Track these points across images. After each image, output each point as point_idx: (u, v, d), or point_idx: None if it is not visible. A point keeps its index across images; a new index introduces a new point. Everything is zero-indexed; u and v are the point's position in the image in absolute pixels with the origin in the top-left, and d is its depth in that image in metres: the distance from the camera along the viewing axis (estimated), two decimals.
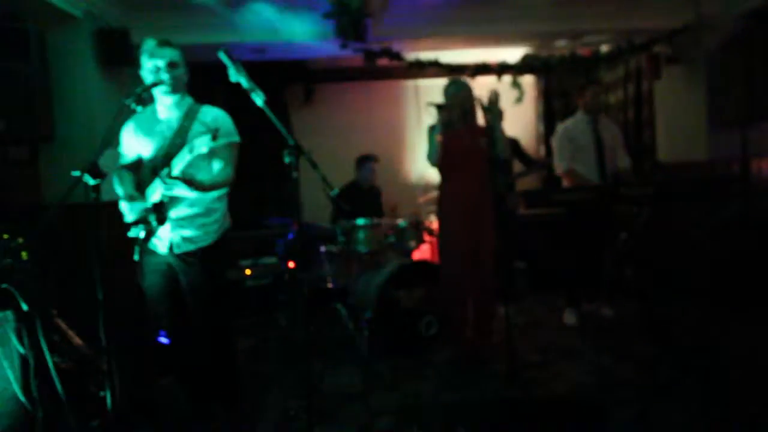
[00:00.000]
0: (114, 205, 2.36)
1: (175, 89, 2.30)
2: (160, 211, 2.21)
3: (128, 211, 2.25)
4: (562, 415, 2.24)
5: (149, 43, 2.27)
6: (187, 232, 2.32)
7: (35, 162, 3.33)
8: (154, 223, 2.20)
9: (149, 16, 3.93)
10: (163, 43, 2.29)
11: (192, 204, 2.31)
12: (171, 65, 2.26)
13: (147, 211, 2.21)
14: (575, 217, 3.96)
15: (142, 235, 2.23)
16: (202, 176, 2.26)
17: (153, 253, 2.35)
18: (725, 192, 3.84)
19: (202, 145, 2.02)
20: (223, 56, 2.02)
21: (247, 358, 3.62)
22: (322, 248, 4.05)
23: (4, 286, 2.14)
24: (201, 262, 2.34)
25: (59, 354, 2.34)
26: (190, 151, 2.06)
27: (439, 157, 3.14)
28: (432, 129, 3.15)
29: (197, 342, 2.38)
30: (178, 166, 2.12)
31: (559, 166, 3.98)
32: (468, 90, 3.20)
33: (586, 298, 4.10)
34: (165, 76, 2.24)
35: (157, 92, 2.30)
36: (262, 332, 4.05)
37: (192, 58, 2.43)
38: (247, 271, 4.44)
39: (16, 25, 2.95)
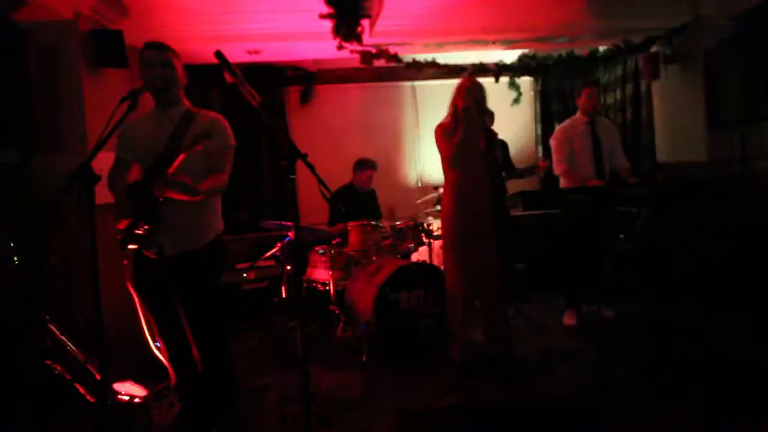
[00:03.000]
0: (108, 208, 2.33)
1: (170, 93, 2.31)
2: (153, 213, 2.19)
3: (120, 215, 2.23)
4: (562, 418, 2.21)
5: (145, 48, 2.29)
6: (179, 235, 2.30)
7: (28, 165, 3.29)
8: (146, 225, 2.18)
9: (143, 18, 3.90)
10: (158, 46, 2.29)
11: (183, 207, 2.29)
12: (165, 70, 2.27)
13: (140, 214, 2.19)
14: (574, 218, 3.95)
15: (134, 238, 2.20)
16: (196, 180, 2.23)
17: (145, 256, 2.31)
18: (724, 192, 3.83)
19: (196, 143, 2.05)
20: (218, 58, 2.00)
21: (243, 362, 3.58)
22: (320, 250, 4.02)
23: None
24: (193, 264, 2.31)
25: (52, 359, 2.31)
26: (187, 150, 2.08)
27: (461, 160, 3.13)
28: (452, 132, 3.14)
29: (192, 345, 2.35)
30: (174, 166, 2.11)
31: (556, 167, 3.98)
32: (482, 92, 3.18)
33: (585, 300, 4.09)
34: (160, 80, 2.25)
35: (155, 94, 2.30)
36: (258, 335, 4.02)
37: (187, 60, 2.41)
38: (244, 274, 4.41)
39: (8, 26, 2.92)
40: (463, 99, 3.12)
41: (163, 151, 2.25)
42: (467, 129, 3.06)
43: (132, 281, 2.35)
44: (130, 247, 2.22)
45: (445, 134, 3.17)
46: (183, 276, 2.31)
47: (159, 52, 2.28)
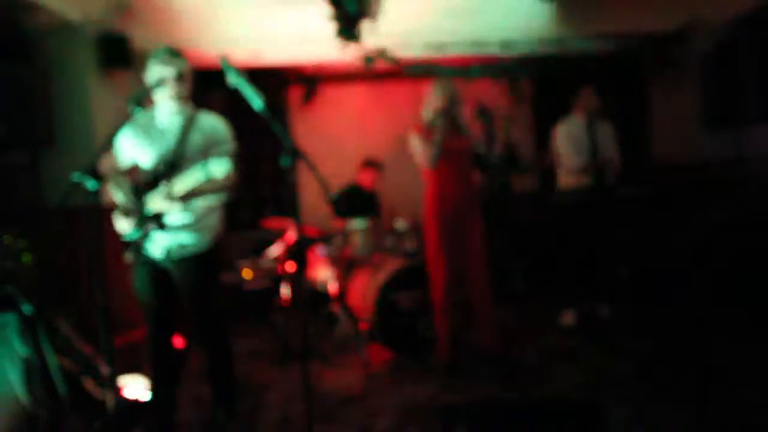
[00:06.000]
0: (113, 208, 2.37)
1: (181, 98, 2.31)
2: (159, 218, 2.24)
3: (122, 219, 2.28)
4: (560, 416, 2.25)
5: (161, 51, 2.28)
6: (183, 239, 2.33)
7: (36, 166, 3.35)
8: (151, 229, 2.23)
9: (148, 22, 3.96)
10: (175, 53, 2.30)
11: (189, 211, 2.32)
12: (180, 76, 2.27)
13: (145, 218, 2.24)
14: (572, 217, 3.99)
15: (138, 238, 2.25)
16: (201, 182, 2.27)
17: (148, 256, 2.35)
18: (721, 193, 3.88)
19: (197, 173, 2.08)
20: (223, 63, 2.03)
21: (245, 360, 3.63)
22: (321, 250, 4.07)
23: (6, 288, 2.16)
24: (196, 266, 2.36)
25: (61, 356, 2.36)
26: (191, 157, 2.10)
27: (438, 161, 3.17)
28: (431, 132, 3.18)
29: (194, 344, 2.40)
30: (179, 186, 2.15)
31: (555, 164, 4.03)
32: (454, 90, 3.23)
33: (583, 299, 4.13)
34: (173, 85, 2.26)
35: (162, 98, 2.29)
36: (260, 334, 4.06)
37: (190, 62, 2.45)
38: (245, 274, 4.45)
39: (16, 31, 2.98)
40: (436, 99, 3.17)
41: (169, 156, 2.28)
42: (442, 129, 3.10)
43: (134, 278, 2.38)
44: (135, 247, 2.27)
45: (421, 136, 3.22)
46: (186, 276, 2.34)
47: (178, 60, 2.29)
